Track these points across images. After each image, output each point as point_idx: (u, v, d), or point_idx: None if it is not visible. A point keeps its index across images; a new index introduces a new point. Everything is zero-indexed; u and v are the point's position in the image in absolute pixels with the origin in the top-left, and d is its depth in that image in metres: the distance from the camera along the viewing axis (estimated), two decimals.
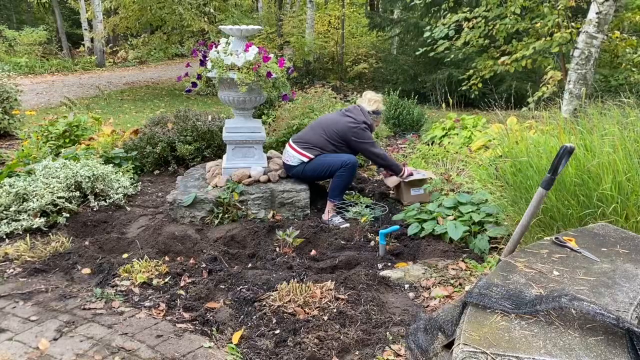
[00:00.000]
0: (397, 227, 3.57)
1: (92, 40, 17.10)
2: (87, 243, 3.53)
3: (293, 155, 4.10)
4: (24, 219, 3.68)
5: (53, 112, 7.83)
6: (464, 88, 7.88)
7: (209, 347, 2.37)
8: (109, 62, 18.12)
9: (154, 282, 2.97)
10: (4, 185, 3.91)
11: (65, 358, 2.27)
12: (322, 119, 4.34)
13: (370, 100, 4.20)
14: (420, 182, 4.30)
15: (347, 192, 4.36)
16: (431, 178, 4.30)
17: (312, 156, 4.04)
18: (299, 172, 4.12)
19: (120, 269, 3.09)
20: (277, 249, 3.49)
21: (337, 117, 4.18)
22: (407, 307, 2.74)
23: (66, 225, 3.78)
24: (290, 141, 4.20)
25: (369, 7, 19.27)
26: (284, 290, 2.78)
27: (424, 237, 3.56)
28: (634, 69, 6.95)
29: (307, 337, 2.39)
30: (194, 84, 4.01)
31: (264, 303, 2.73)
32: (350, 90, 12.10)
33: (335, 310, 2.62)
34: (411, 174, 4.26)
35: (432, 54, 7.63)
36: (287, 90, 4.13)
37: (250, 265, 3.33)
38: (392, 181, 4.40)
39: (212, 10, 12.19)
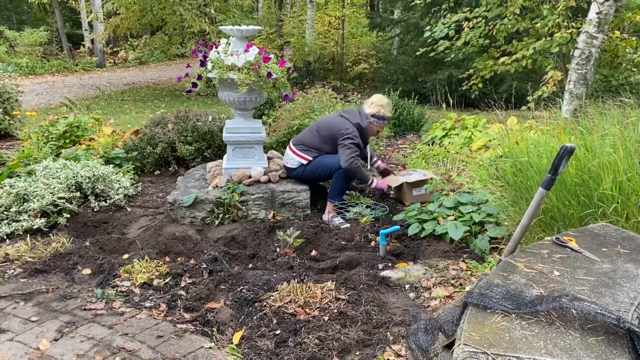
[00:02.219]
0: (398, 227, 3.57)
1: (92, 41, 17.10)
2: (87, 243, 3.53)
3: (292, 157, 4.11)
4: (24, 219, 3.68)
5: (53, 112, 7.83)
6: (464, 88, 7.88)
7: (210, 347, 2.37)
8: (110, 62, 18.13)
9: (155, 282, 2.97)
10: (5, 185, 3.91)
11: (66, 358, 2.27)
12: (320, 120, 4.34)
13: (372, 103, 4.10)
14: (421, 183, 4.30)
15: (347, 192, 4.35)
16: (432, 178, 4.29)
17: (310, 158, 4.04)
18: (299, 175, 4.12)
19: (120, 269, 3.09)
20: (278, 250, 3.50)
21: (333, 117, 4.19)
22: (407, 307, 2.74)
23: (67, 226, 3.78)
24: (291, 143, 4.22)
25: (369, 8, 19.27)
26: (284, 290, 2.79)
27: (424, 237, 3.56)
28: (634, 69, 6.95)
29: (308, 338, 2.39)
30: (195, 85, 4.01)
31: (265, 303, 2.73)
32: (351, 91, 12.10)
33: (335, 311, 2.62)
34: (385, 187, 4.13)
35: (432, 54, 7.63)
36: (288, 91, 4.13)
37: (250, 265, 3.33)
38: (393, 181, 4.39)
39: (212, 11, 12.18)
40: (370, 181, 4.06)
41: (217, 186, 4.09)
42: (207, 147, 5.22)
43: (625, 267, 1.73)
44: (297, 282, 2.87)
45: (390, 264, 3.25)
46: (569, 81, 5.30)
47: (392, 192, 4.55)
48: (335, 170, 3.96)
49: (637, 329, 1.31)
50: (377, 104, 4.09)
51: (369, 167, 4.46)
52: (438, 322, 1.66)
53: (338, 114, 4.21)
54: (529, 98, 5.96)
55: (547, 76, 6.14)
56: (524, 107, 6.39)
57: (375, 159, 4.49)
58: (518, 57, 6.60)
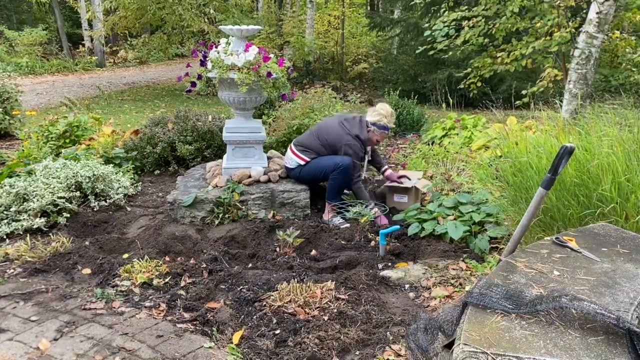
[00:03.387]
0: (398, 227, 3.58)
1: (92, 40, 17.08)
2: (87, 243, 3.53)
3: (291, 158, 4.13)
4: (24, 219, 3.68)
5: (53, 112, 7.82)
6: (461, 86, 7.88)
7: (210, 347, 2.37)
8: (109, 62, 18.11)
9: (155, 282, 2.97)
10: (5, 185, 3.91)
11: (66, 358, 2.27)
12: (320, 124, 4.33)
13: (374, 111, 4.08)
14: (405, 190, 4.24)
15: (347, 192, 4.35)
16: (412, 187, 4.20)
17: (308, 159, 4.05)
18: (296, 175, 4.14)
19: (120, 269, 3.09)
20: (278, 249, 3.50)
21: (333, 124, 4.11)
22: (407, 307, 2.74)
23: (66, 226, 3.78)
24: (292, 144, 4.23)
25: (369, 7, 19.28)
26: (284, 290, 2.79)
27: (424, 237, 3.56)
28: (634, 69, 6.96)
29: (308, 337, 2.39)
30: (193, 84, 4.01)
31: (265, 303, 2.73)
32: (351, 90, 12.10)
33: (335, 310, 2.62)
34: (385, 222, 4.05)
35: (431, 52, 7.63)
36: (287, 91, 4.13)
37: (250, 265, 3.33)
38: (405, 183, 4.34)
39: (212, 11, 12.16)
40: (371, 206, 3.93)
41: (217, 186, 4.09)
42: (207, 147, 5.22)
43: (625, 267, 1.73)
44: (297, 281, 2.87)
45: (390, 264, 3.25)
46: (569, 81, 5.30)
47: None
48: (330, 172, 3.96)
49: (637, 329, 1.31)
50: (379, 112, 4.07)
51: (379, 175, 4.40)
52: (438, 322, 1.67)
53: (339, 121, 4.13)
54: (524, 92, 5.96)
55: (544, 73, 6.15)
56: (518, 102, 6.39)
57: (385, 167, 4.45)
58: (517, 56, 6.60)
